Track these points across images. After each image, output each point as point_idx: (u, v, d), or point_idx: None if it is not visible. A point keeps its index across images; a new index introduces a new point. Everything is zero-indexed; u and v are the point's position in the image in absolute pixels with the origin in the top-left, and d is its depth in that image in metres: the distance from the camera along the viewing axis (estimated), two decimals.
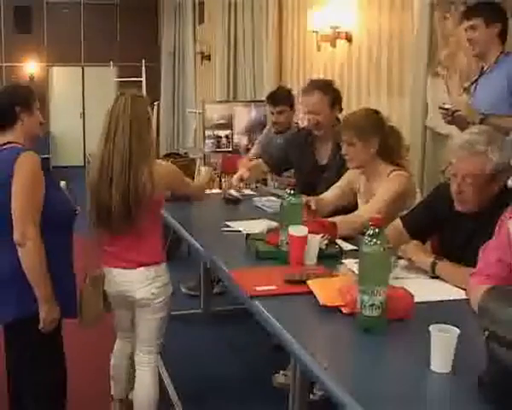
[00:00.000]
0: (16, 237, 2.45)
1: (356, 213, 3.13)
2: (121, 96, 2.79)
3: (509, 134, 2.99)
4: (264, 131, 5.36)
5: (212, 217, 3.79)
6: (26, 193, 2.47)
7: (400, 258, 2.58)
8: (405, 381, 1.67)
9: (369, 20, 5.08)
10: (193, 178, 4.25)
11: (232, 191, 4.13)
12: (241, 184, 4.17)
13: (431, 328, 1.69)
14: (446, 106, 3.32)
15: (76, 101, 14.39)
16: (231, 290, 2.65)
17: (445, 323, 1.71)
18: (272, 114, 4.80)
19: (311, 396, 3.04)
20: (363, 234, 1.91)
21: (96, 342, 3.50)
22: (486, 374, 1.52)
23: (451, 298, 2.26)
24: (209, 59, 9.79)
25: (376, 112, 3.27)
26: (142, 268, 2.84)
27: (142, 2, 13.27)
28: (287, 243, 2.62)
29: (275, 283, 2.33)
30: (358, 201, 3.29)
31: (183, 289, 5.34)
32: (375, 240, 1.87)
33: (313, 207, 3.11)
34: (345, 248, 2.79)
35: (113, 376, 3.20)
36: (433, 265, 2.46)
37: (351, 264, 2.52)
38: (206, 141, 7.08)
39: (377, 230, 1.88)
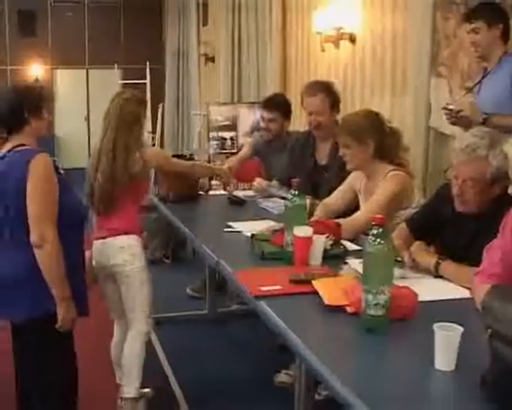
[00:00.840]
0: (34, 238, 2.47)
1: (354, 215, 3.14)
2: (117, 96, 3.35)
3: None
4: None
5: (217, 218, 3.81)
6: (42, 195, 2.50)
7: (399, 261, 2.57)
8: (410, 379, 1.68)
9: (372, 20, 5.09)
10: (198, 179, 4.28)
11: (237, 192, 4.14)
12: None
13: (435, 327, 1.70)
14: (450, 106, 3.33)
15: (81, 103, 14.40)
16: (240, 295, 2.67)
17: (448, 322, 1.72)
18: (263, 119, 4.49)
19: (316, 396, 3.05)
20: (366, 234, 1.92)
21: (108, 340, 3.53)
22: (489, 373, 1.52)
23: (455, 297, 2.27)
24: (213, 61, 9.79)
25: (374, 113, 3.29)
26: (116, 237, 3.25)
27: (146, 4, 13.28)
28: (292, 244, 2.64)
29: (280, 283, 2.35)
30: (360, 200, 3.31)
31: (189, 291, 5.35)
32: (378, 239, 1.89)
33: (319, 214, 3.19)
34: (349, 249, 2.80)
35: (114, 362, 3.43)
36: (437, 265, 2.47)
37: (355, 264, 2.53)
38: (211, 142, 7.10)
39: (381, 229, 1.90)
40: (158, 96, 11.47)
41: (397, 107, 4.73)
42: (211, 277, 4.82)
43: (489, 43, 3.37)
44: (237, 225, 3.36)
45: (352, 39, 5.36)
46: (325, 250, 2.64)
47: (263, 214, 3.71)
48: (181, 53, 11.78)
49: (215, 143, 7.07)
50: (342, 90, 5.18)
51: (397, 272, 2.30)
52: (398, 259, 2.56)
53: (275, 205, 3.86)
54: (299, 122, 5.16)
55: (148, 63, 10.74)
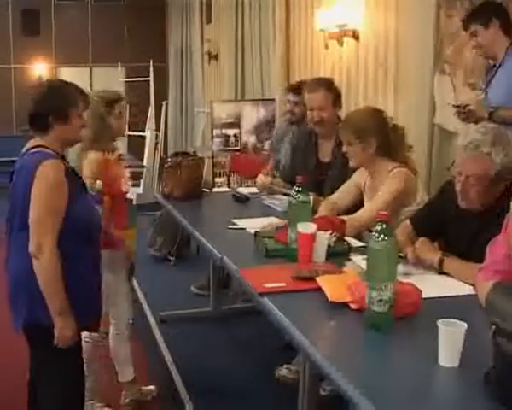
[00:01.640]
0: (31, 248, 2.39)
1: (359, 212, 3.14)
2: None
3: None
4: (274, 132, 5.30)
5: (221, 215, 3.81)
6: (44, 204, 2.40)
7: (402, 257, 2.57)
8: (414, 375, 1.69)
9: (375, 18, 5.08)
10: (202, 176, 4.28)
11: (241, 189, 4.14)
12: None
13: (439, 323, 1.71)
14: (458, 103, 3.32)
15: None
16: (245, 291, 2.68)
17: (452, 318, 1.73)
18: (289, 102, 4.57)
19: (321, 392, 3.06)
20: (370, 231, 1.93)
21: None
22: (493, 369, 1.53)
23: (459, 294, 2.27)
24: (217, 58, 9.79)
25: (377, 110, 3.29)
26: None
27: (150, 2, 13.27)
28: (295, 241, 2.64)
29: (284, 280, 2.35)
30: (364, 198, 3.31)
31: (193, 289, 5.36)
32: (382, 236, 1.89)
33: (323, 210, 3.20)
34: (353, 245, 2.80)
35: (114, 358, 3.46)
36: (441, 261, 2.48)
37: (359, 260, 2.54)
38: (215, 140, 7.10)
39: (385, 226, 1.90)
40: (161, 94, 11.47)
41: (400, 104, 4.72)
42: (215, 274, 4.82)
43: (490, 40, 3.35)
44: (241, 222, 3.37)
45: (356, 36, 5.36)
46: (329, 247, 2.64)
47: (267, 211, 3.71)
48: (184, 51, 11.78)
49: (218, 140, 7.08)
50: (345, 87, 5.19)
51: (401, 268, 2.30)
52: (402, 255, 2.57)
53: (279, 202, 3.87)
54: None
55: (151, 61, 10.72)
